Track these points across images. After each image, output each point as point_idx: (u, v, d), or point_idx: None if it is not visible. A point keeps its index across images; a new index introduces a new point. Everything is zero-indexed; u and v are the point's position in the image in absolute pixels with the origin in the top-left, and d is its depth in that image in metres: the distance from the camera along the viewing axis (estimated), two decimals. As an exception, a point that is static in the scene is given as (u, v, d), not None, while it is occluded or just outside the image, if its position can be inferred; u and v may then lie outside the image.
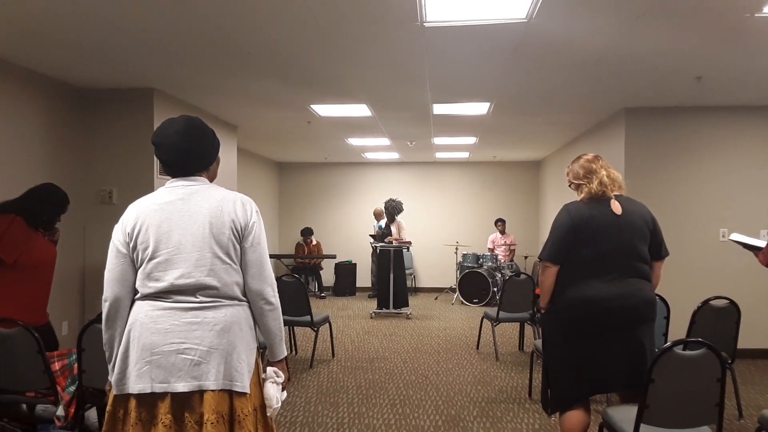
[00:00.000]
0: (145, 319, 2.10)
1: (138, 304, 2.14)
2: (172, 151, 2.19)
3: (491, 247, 11.04)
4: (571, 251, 3.11)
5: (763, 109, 6.28)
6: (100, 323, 2.20)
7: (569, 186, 3.40)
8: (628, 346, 3.05)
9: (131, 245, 2.15)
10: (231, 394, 2.12)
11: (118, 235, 2.17)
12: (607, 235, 3.07)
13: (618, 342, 3.05)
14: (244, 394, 2.13)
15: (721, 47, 4.28)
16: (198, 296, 2.12)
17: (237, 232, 2.16)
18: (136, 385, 2.06)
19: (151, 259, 2.12)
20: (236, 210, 2.17)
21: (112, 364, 2.17)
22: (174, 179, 2.23)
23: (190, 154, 2.21)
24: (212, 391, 2.08)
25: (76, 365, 3.48)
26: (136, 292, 2.16)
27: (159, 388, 2.06)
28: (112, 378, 2.14)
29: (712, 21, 3.75)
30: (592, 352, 3.07)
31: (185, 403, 2.07)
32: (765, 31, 3.90)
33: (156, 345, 2.07)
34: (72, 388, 3.68)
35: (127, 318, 2.15)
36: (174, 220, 2.14)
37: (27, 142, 4.93)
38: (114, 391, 2.12)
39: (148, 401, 2.07)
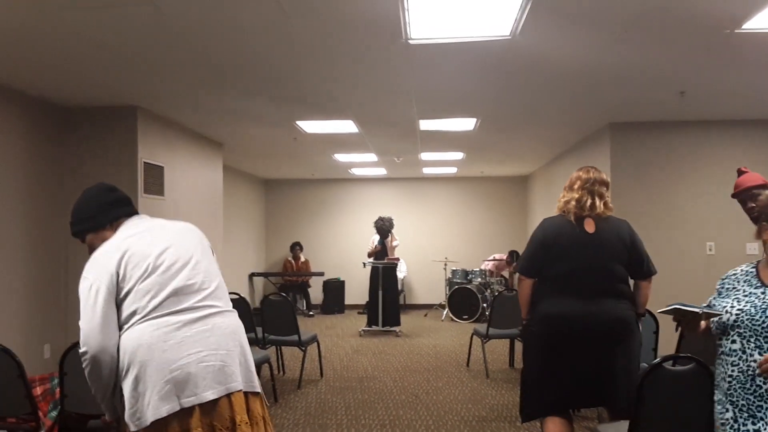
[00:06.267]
0: (151, 340, 2.03)
1: (135, 329, 2.06)
2: (115, 191, 2.35)
3: (494, 263, 10.91)
4: (544, 266, 3.16)
5: (746, 122, 6.34)
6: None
7: None
8: (594, 365, 3.07)
9: (120, 276, 2.09)
10: (247, 396, 2.13)
11: (103, 276, 2.09)
12: (576, 252, 3.10)
13: (584, 360, 3.07)
14: (258, 394, 2.19)
15: (704, 62, 4.32)
16: (201, 301, 2.14)
17: (208, 244, 2.38)
18: (163, 407, 1.97)
19: (148, 276, 2.10)
20: (196, 227, 2.41)
21: (108, 404, 2.12)
22: (127, 220, 2.28)
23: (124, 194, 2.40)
24: (238, 392, 2.09)
25: (58, 390, 3.41)
26: (121, 327, 2.10)
27: (187, 402, 1.99)
28: (126, 415, 2.03)
29: (693, 37, 3.79)
30: (559, 367, 3.10)
31: (211, 411, 2.02)
32: (746, 46, 3.94)
33: (172, 361, 2.01)
34: (54, 414, 3.61)
35: (117, 357, 2.06)
36: (158, 242, 2.18)
37: (7, 162, 4.85)
38: (131, 428, 2.02)
39: (176, 420, 1.99)
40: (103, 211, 2.27)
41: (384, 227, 9.62)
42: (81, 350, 2.07)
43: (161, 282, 2.10)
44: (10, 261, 4.87)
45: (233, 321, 2.23)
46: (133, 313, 2.08)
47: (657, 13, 3.38)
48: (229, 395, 2.05)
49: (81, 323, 2.08)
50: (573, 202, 3.17)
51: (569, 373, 3.08)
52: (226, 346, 2.12)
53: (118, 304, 2.09)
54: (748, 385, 2.14)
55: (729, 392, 2.19)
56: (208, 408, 2.01)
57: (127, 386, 2.02)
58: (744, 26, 3.57)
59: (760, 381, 2.10)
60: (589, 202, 3.17)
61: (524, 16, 3.39)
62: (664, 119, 6.33)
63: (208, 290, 2.18)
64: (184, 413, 1.99)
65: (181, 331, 2.06)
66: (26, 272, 5.06)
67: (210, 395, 2.01)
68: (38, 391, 3.73)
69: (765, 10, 3.33)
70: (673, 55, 4.14)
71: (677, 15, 3.42)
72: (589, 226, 3.13)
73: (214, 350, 2.07)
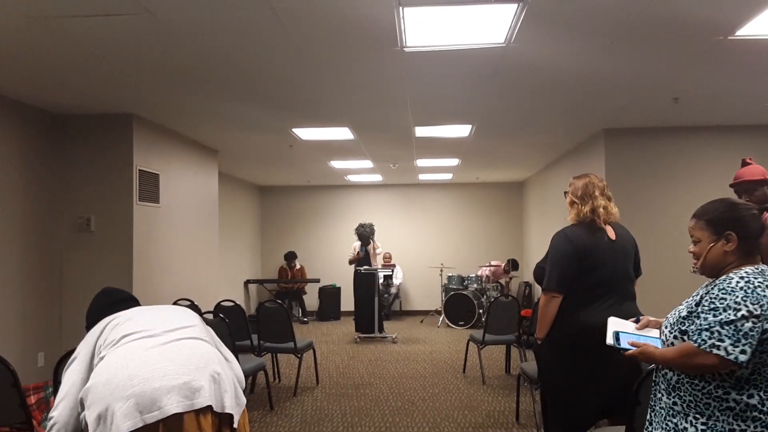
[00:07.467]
0: (116, 359, 2.02)
1: (104, 360, 2.08)
2: (118, 292, 2.64)
3: (490, 269, 10.90)
4: (574, 278, 3.07)
5: (740, 128, 6.38)
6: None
7: (564, 196, 3.34)
8: (628, 369, 3.04)
9: (100, 334, 2.23)
10: (220, 418, 2.06)
11: (85, 348, 2.24)
12: (607, 261, 3.08)
13: (621, 366, 3.02)
14: (231, 418, 2.08)
15: (697, 69, 4.35)
16: (176, 330, 2.21)
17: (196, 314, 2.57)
18: (124, 425, 1.88)
19: (124, 322, 2.24)
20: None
21: None
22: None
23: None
24: (207, 407, 2.00)
25: (52, 398, 3.39)
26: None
27: (150, 418, 1.90)
28: None
29: (687, 44, 3.81)
30: (597, 379, 3.04)
31: (176, 428, 1.93)
32: (738, 52, 3.97)
33: (134, 375, 1.96)
34: (48, 423, 3.58)
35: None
36: (141, 309, 2.43)
37: (2, 170, 4.83)
38: None
39: None
40: (104, 311, 2.45)
41: (365, 233, 9.66)
42: (50, 414, 2.11)
43: (136, 320, 2.24)
44: (4, 269, 4.85)
45: (209, 348, 2.20)
46: (108, 343, 2.15)
47: (651, 20, 3.40)
48: (197, 414, 1.96)
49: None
50: (601, 210, 3.14)
51: (608, 383, 3.03)
52: (197, 363, 2.06)
53: (97, 353, 2.18)
54: (651, 395, 2.11)
55: (650, 397, 2.16)
56: (173, 425, 1.92)
57: (91, 413, 1.94)
58: (737, 33, 3.60)
59: (655, 391, 2.05)
60: (614, 209, 3.19)
61: (519, 24, 3.41)
62: (658, 125, 6.37)
63: (186, 324, 2.29)
64: (150, 429, 1.91)
65: (149, 351, 2.05)
66: (20, 280, 5.04)
67: (173, 409, 1.92)
68: (32, 399, 3.72)
69: (757, 18, 3.36)
70: (667, 62, 4.17)
71: (671, 22, 3.44)
72: (611, 233, 3.14)
73: (182, 365, 2.02)
